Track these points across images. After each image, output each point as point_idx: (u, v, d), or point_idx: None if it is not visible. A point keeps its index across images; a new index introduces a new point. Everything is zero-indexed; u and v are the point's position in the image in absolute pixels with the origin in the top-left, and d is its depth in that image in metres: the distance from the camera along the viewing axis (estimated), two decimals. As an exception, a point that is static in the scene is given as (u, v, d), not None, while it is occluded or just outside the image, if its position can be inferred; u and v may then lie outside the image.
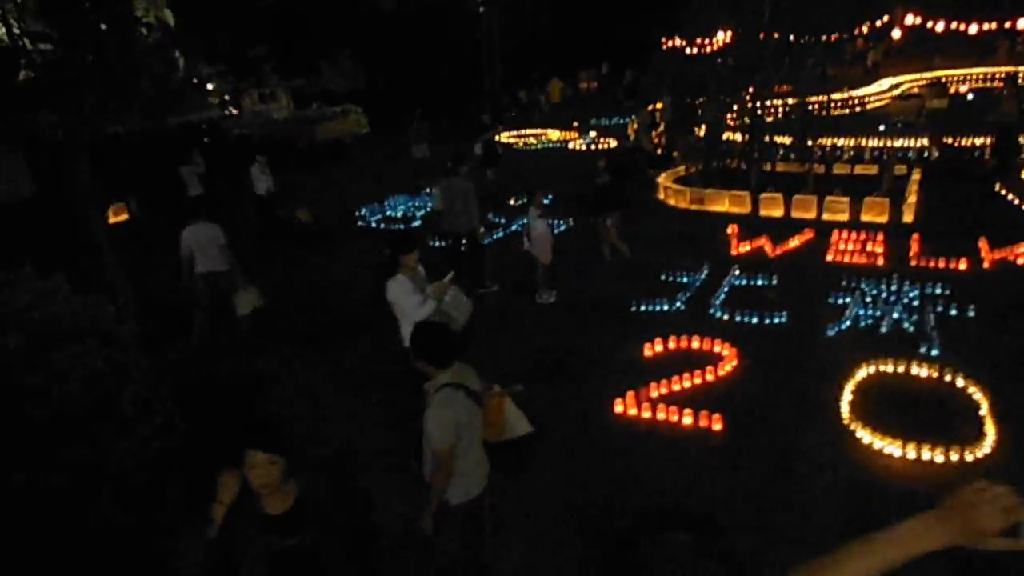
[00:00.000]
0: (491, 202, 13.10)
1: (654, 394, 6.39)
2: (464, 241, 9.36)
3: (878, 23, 35.26)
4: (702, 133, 14.73)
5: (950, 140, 14.23)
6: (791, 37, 14.49)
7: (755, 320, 7.80)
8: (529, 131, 23.76)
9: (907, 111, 20.02)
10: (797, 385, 6.42)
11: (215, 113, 24.32)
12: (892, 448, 5.32)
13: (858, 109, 21.38)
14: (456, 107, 25.85)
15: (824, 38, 14.50)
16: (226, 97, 27.24)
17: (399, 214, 13.89)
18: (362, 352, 7.68)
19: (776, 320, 7.75)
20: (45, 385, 2.92)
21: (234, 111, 26.84)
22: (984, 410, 5.66)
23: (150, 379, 3.41)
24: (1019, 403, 5.70)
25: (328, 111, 23.48)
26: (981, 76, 27.51)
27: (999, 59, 29.36)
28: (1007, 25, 32.10)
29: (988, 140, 13.92)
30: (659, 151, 18.43)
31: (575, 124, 24.33)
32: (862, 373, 6.39)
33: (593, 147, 20.65)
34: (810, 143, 13.07)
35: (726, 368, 6.75)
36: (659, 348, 7.31)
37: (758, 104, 12.98)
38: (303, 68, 33.88)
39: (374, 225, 13.35)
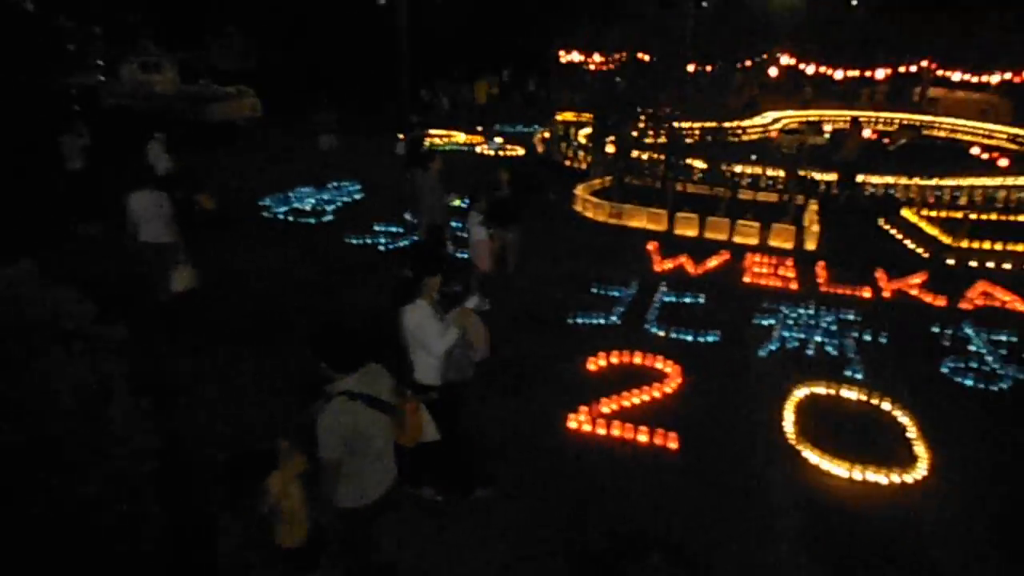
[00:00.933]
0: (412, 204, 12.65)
1: (606, 410, 6.34)
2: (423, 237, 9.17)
3: (758, 59, 38.08)
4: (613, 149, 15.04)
5: (803, 174, 15.12)
6: (701, 66, 15.24)
7: (689, 338, 7.97)
8: (434, 132, 23.33)
9: (790, 145, 21.57)
10: (740, 405, 6.59)
11: (91, 79, 21.94)
12: (839, 469, 5.55)
13: (756, 137, 22.78)
14: (364, 99, 24.84)
15: (739, 65, 15.36)
16: (99, 62, 24.64)
17: (308, 207, 13.10)
18: (289, 351, 7.08)
19: (710, 339, 7.96)
20: (22, 400, 2.32)
21: (102, 78, 24.33)
22: (912, 433, 6.05)
23: (129, 391, 2.85)
24: (941, 426, 6.15)
25: (220, 90, 21.81)
26: (847, 119, 30.03)
27: (862, 105, 32.38)
28: (868, 74, 35.70)
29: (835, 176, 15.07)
30: (568, 163, 18.69)
31: (479, 128, 24.18)
32: (799, 394, 6.67)
33: (501, 153, 20.59)
34: (724, 167, 13.71)
35: (672, 385, 6.82)
36: (603, 363, 7.28)
37: (675, 125, 13.43)
38: (187, 41, 31.46)
39: (281, 217, 12.49)
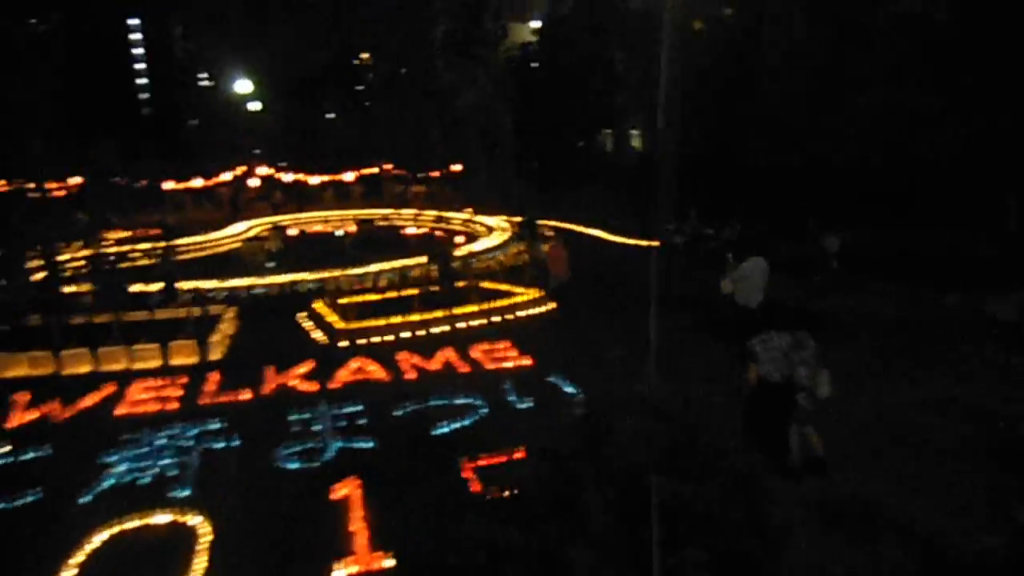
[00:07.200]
0: None
1: None
2: None
3: (239, 171, 39.20)
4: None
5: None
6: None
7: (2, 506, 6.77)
8: None
9: (253, 252, 22.23)
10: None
11: None
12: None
13: (220, 250, 22.76)
14: None
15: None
16: None
17: None
18: None
19: (30, 498, 6.89)
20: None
21: None
22: (202, 543, 5.95)
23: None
24: (235, 525, 6.21)
25: None
26: (318, 220, 32.50)
27: (324, 206, 35.74)
28: (339, 178, 39.81)
29: None
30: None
31: None
32: (98, 539, 6.06)
33: None
34: (116, 290, 12.89)
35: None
36: None
37: (52, 250, 12.17)
38: None
39: None
